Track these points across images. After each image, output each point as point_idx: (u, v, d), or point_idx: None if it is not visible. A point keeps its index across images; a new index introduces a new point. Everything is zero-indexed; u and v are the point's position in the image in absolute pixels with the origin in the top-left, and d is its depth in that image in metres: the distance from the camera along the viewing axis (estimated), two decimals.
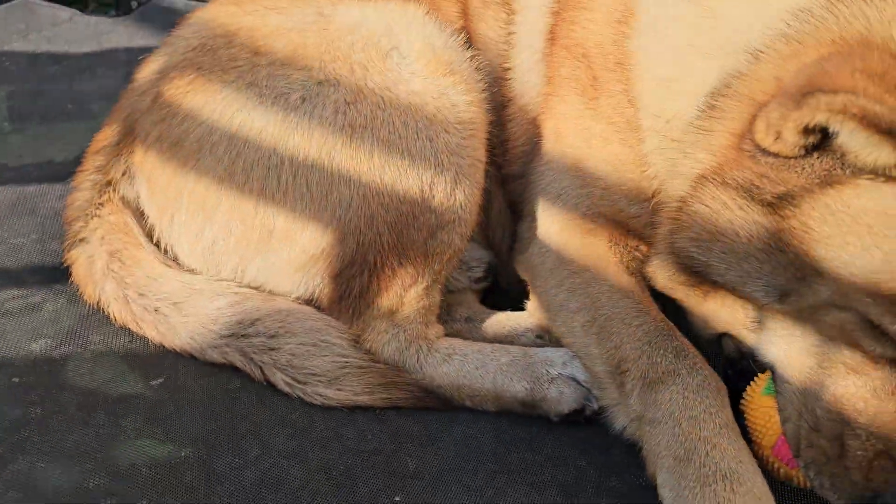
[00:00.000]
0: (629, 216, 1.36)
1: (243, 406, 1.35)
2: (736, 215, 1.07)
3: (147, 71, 1.59)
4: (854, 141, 0.95)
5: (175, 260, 1.50)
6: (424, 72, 1.41)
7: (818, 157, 1.00)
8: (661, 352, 1.21)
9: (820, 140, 0.99)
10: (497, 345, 1.44)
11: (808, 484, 1.10)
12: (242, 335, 1.43)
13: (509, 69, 1.54)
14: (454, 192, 1.40)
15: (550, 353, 1.38)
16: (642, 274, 1.32)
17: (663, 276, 1.22)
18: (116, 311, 1.49)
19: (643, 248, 1.36)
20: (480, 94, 1.45)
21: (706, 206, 1.09)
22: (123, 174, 1.55)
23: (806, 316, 1.06)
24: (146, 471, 1.18)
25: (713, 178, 1.09)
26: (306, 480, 1.20)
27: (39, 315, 1.52)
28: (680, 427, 1.12)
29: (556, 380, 1.34)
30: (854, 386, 1.03)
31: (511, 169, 1.56)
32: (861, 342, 1.01)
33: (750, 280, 1.09)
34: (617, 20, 1.34)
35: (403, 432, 1.32)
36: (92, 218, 1.54)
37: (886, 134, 0.90)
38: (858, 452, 1.01)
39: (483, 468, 1.24)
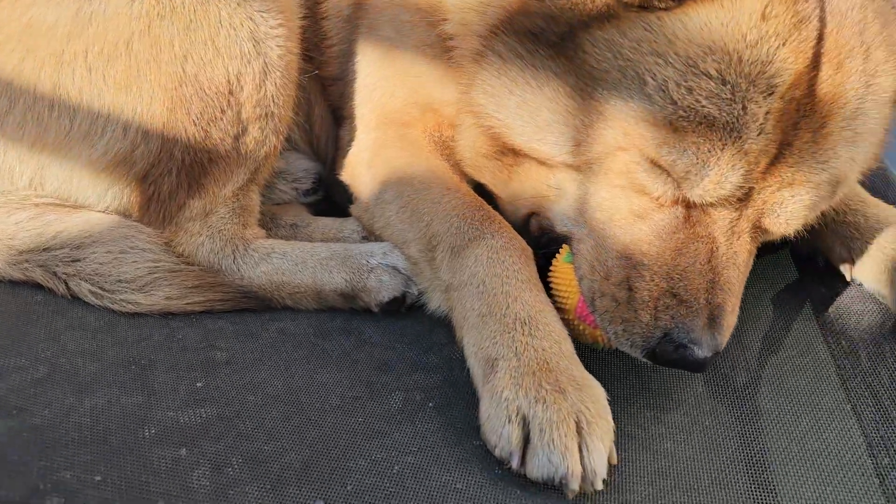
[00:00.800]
0: (443, 103, 1.34)
1: (41, 316, 1.25)
2: (526, 62, 1.07)
3: None
4: None
5: None
6: None
7: None
8: (468, 221, 1.19)
9: None
10: (319, 243, 1.38)
11: (611, 342, 1.09)
12: (44, 249, 1.32)
13: None
14: (264, 84, 1.34)
15: (371, 245, 1.35)
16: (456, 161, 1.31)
17: (469, 149, 1.21)
18: None
19: (457, 136, 1.34)
20: None
21: (498, 55, 1.09)
22: None
23: (597, 169, 1.07)
24: None
25: (503, 28, 1.08)
26: (100, 373, 1.11)
27: None
28: (483, 286, 1.10)
29: (376, 269, 1.30)
30: (640, 231, 1.05)
31: (329, 70, 1.52)
32: (646, 186, 1.03)
33: (544, 134, 1.09)
34: None
35: (218, 331, 1.25)
36: None
37: None
38: (644, 293, 1.02)
39: (297, 354, 1.19)
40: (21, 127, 1.32)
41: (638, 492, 0.94)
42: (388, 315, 1.30)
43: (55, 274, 1.31)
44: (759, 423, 1.06)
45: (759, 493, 0.93)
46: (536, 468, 0.90)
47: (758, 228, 1.06)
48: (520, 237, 1.19)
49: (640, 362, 1.08)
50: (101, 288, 1.29)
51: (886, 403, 1.06)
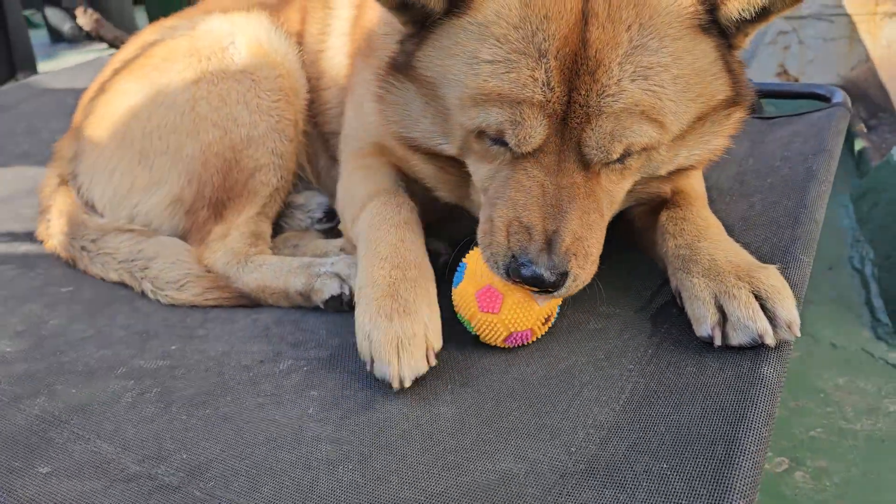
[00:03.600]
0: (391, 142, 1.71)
1: (115, 302, 1.85)
2: (399, 89, 1.43)
3: (101, 75, 2.21)
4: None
5: (94, 209, 2.06)
6: (248, 56, 1.90)
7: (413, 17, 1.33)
8: (374, 197, 1.57)
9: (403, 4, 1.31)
10: (299, 257, 1.84)
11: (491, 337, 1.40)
12: (132, 260, 1.94)
13: (322, 51, 1.99)
14: (265, 142, 1.86)
15: (327, 258, 1.76)
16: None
17: (422, 165, 1.56)
18: (62, 251, 2.06)
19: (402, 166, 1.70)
20: (291, 70, 1.92)
21: (390, 91, 1.45)
22: (74, 156, 2.15)
23: (467, 153, 1.38)
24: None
25: (388, 69, 1.44)
26: (122, 336, 1.66)
27: (18, 252, 2.13)
28: (365, 235, 1.49)
29: (322, 275, 1.71)
30: (493, 183, 1.33)
31: (329, 127, 1.99)
32: (487, 152, 1.32)
33: (432, 135, 1.43)
34: None
35: (214, 318, 1.75)
36: (50, 190, 2.14)
37: None
38: (499, 221, 1.28)
39: (250, 334, 1.63)
40: (122, 178, 1.97)
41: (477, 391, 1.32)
42: (333, 311, 1.70)
43: (134, 276, 1.91)
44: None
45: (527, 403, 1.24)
46: (377, 372, 1.29)
47: (584, 160, 1.26)
48: (404, 196, 1.57)
49: None
50: (156, 287, 1.87)
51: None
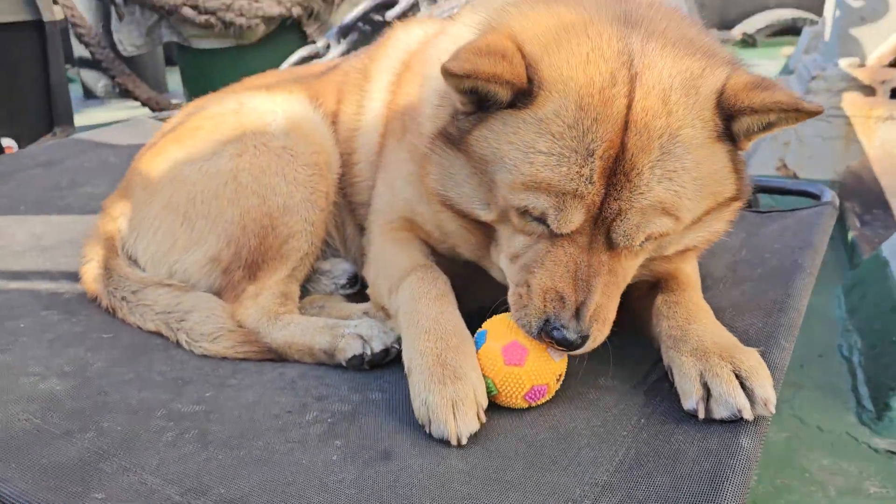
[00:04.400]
0: (420, 214, 1.88)
1: (152, 350, 2.00)
2: (447, 155, 1.60)
3: (152, 140, 2.42)
4: (487, 90, 1.44)
5: (136, 263, 2.23)
6: (288, 133, 2.11)
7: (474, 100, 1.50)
8: (411, 272, 1.74)
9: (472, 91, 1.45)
10: (325, 318, 2.00)
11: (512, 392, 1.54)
12: (169, 312, 2.10)
13: (357, 129, 2.20)
14: (300, 211, 2.05)
15: (350, 320, 1.92)
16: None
17: (450, 222, 1.73)
18: (104, 300, 2.22)
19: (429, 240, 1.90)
20: (326, 147, 2.12)
21: (436, 154, 1.63)
22: (121, 213, 2.34)
23: (504, 223, 1.55)
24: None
25: (437, 136, 1.62)
26: (159, 381, 1.81)
27: (62, 299, 2.30)
28: (406, 309, 1.66)
29: (346, 336, 1.87)
30: (531, 253, 1.50)
31: (359, 198, 2.19)
32: (528, 228, 1.49)
33: (471, 201, 1.60)
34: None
35: (244, 370, 1.90)
36: (96, 242, 2.32)
37: (498, 83, 1.42)
38: (536, 286, 1.45)
39: (277, 385, 1.79)
40: (164, 237, 2.15)
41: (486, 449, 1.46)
42: (354, 369, 1.85)
43: (170, 327, 2.07)
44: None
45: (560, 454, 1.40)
46: (435, 432, 1.44)
47: (611, 243, 1.45)
48: (438, 270, 1.74)
49: None
50: (191, 338, 2.03)
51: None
